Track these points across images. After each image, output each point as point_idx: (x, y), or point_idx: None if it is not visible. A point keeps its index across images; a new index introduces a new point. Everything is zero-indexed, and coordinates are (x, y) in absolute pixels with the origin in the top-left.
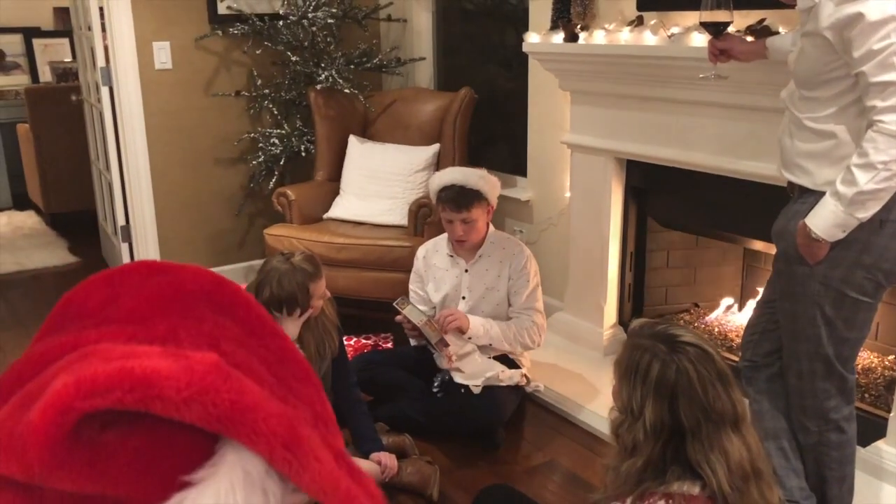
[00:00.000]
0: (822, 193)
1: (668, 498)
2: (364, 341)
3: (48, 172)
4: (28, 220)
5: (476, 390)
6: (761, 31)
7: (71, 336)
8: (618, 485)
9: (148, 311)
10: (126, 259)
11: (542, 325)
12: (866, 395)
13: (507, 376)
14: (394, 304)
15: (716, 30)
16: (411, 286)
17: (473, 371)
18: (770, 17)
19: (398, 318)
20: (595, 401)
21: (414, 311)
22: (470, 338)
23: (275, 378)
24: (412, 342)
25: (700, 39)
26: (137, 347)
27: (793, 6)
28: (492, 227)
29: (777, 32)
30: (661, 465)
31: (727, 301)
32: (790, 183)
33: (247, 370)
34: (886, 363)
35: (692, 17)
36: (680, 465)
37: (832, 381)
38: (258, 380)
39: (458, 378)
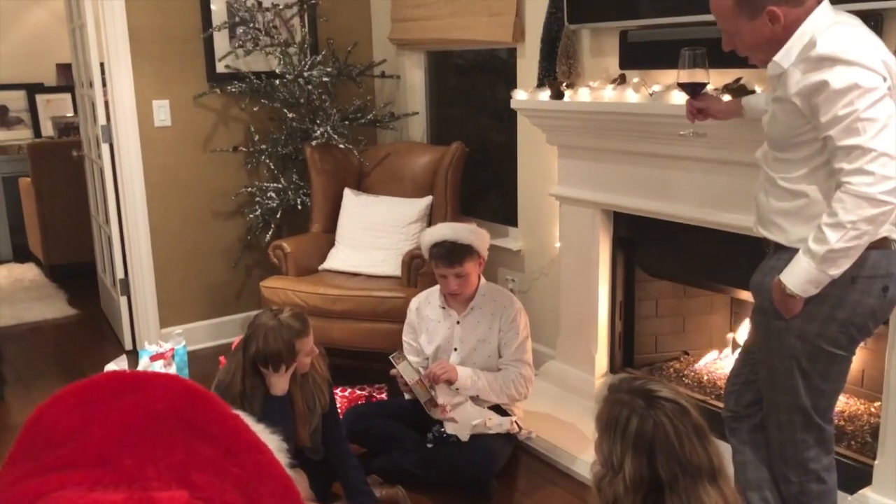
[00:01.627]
0: (796, 250)
1: None
2: (358, 392)
3: (49, 225)
4: (28, 272)
5: (464, 438)
6: (737, 90)
7: (37, 480)
8: None
9: (115, 447)
10: (125, 313)
11: (530, 377)
12: (852, 443)
13: (496, 423)
14: (390, 357)
15: (693, 90)
16: (405, 338)
17: (463, 420)
18: (746, 75)
19: (392, 371)
20: (587, 450)
21: (408, 368)
22: (458, 389)
23: (248, 501)
24: (406, 396)
25: (680, 97)
26: (102, 496)
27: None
28: (483, 279)
29: (753, 91)
30: None
31: (715, 350)
32: (766, 239)
33: (219, 501)
34: (872, 410)
35: (672, 75)
36: None
37: (811, 433)
38: None
39: (448, 429)
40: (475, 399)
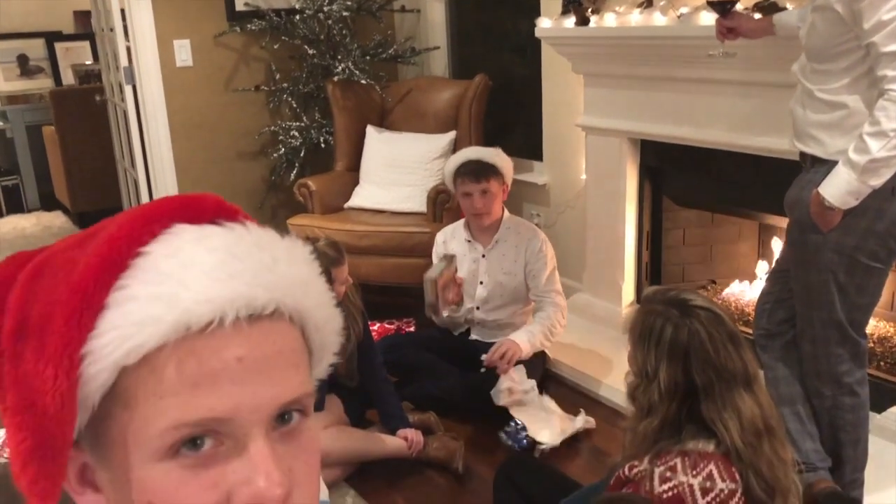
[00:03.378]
0: (835, 163)
1: (683, 455)
2: (387, 326)
3: (74, 172)
4: (56, 220)
5: (555, 443)
6: (768, 8)
7: None
8: (636, 445)
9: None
10: None
11: (564, 305)
12: (882, 363)
13: (571, 424)
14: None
15: (723, 8)
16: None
17: (538, 424)
18: None
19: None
20: (614, 377)
21: (438, 266)
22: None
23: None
24: (435, 318)
25: (708, 18)
26: None
27: None
28: (507, 212)
29: (784, 8)
30: (677, 425)
31: (743, 276)
32: (802, 153)
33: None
34: None
35: None
36: (695, 424)
37: (845, 347)
38: None
39: (541, 437)
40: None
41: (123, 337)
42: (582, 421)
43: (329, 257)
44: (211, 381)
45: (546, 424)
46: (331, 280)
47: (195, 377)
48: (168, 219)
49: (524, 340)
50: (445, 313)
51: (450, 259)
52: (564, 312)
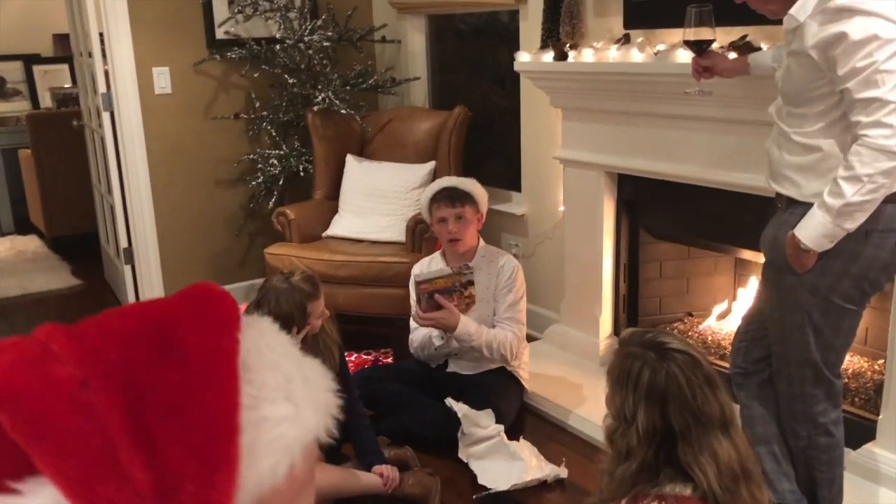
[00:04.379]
0: (810, 205)
1: (660, 499)
2: (364, 357)
3: (50, 196)
4: (30, 244)
5: (505, 488)
6: (744, 48)
7: None
8: (613, 488)
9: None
10: (129, 282)
11: (522, 337)
12: (856, 399)
13: (538, 471)
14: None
15: (699, 48)
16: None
17: (497, 473)
18: (752, 33)
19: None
20: (591, 410)
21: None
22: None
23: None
24: (417, 347)
25: (685, 56)
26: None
27: (777, 21)
28: (482, 241)
29: (759, 48)
30: (655, 468)
31: (719, 310)
32: (778, 194)
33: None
34: (875, 367)
35: (677, 34)
36: (672, 468)
37: (820, 387)
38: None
39: (487, 483)
40: (476, 358)
41: (273, 465)
42: (553, 474)
43: (304, 292)
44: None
45: (505, 474)
46: (305, 314)
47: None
48: (231, 322)
49: (468, 321)
50: (437, 341)
51: (461, 271)
52: (518, 344)
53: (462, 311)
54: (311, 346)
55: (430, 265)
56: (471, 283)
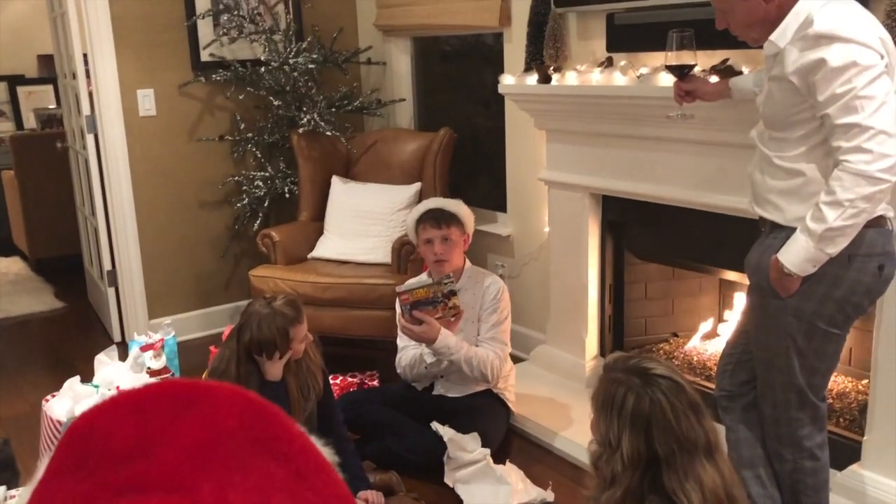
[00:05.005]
0: (793, 229)
1: None
2: (350, 379)
3: (33, 218)
4: (13, 266)
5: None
6: (725, 71)
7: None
8: None
9: (189, 469)
10: (113, 305)
11: (504, 359)
12: (841, 420)
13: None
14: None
15: (680, 72)
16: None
17: (484, 498)
18: (733, 56)
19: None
20: (577, 432)
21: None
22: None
23: None
24: (406, 367)
25: (667, 79)
26: None
27: (757, 45)
28: (468, 263)
29: (740, 72)
30: (640, 495)
31: (704, 330)
32: (762, 217)
33: None
34: (860, 388)
35: (660, 58)
36: (657, 494)
37: (805, 411)
38: None
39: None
40: (464, 379)
41: None
42: (540, 498)
43: (287, 317)
44: None
45: (492, 498)
46: (288, 339)
47: None
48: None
49: (447, 335)
50: (428, 359)
51: (444, 282)
52: (499, 364)
53: (449, 324)
54: (294, 371)
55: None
56: (453, 293)
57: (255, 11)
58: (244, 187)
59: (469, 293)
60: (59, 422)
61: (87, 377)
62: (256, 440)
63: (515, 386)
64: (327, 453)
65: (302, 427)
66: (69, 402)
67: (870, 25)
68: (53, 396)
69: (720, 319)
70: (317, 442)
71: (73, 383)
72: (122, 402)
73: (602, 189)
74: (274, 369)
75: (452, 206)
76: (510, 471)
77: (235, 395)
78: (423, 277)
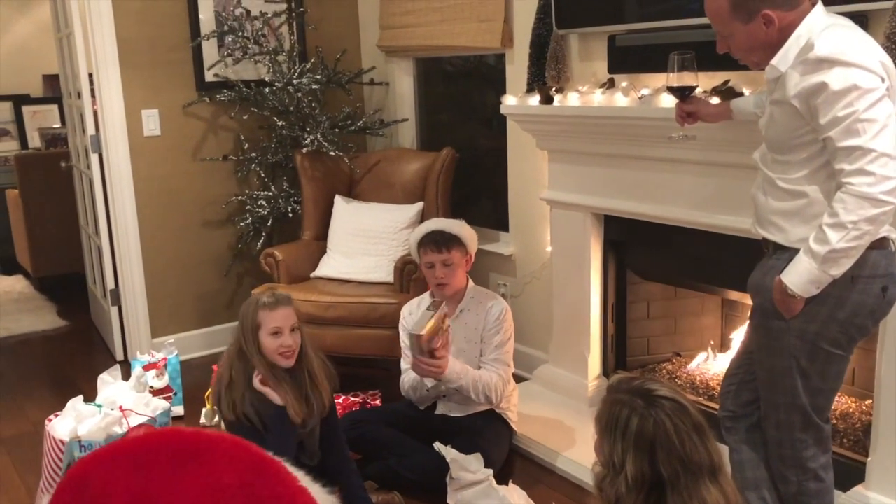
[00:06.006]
0: (796, 250)
1: None
2: (352, 399)
3: (37, 237)
4: (16, 284)
5: None
6: (726, 93)
7: None
8: None
9: None
10: (116, 324)
11: (508, 380)
12: (845, 441)
13: None
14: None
15: (682, 94)
16: (403, 346)
17: None
18: (734, 78)
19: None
20: (580, 452)
21: (425, 317)
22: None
23: None
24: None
25: (669, 100)
26: None
27: (759, 70)
28: (471, 282)
29: (741, 93)
30: None
31: (707, 350)
32: (765, 239)
33: None
34: (863, 408)
35: (661, 79)
36: None
37: (809, 432)
38: None
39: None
40: (464, 400)
41: None
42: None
43: (261, 302)
44: None
45: None
46: (256, 324)
47: None
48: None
49: (457, 367)
50: (429, 384)
51: (437, 305)
52: (503, 386)
53: (444, 346)
54: (295, 382)
55: (419, 306)
56: (444, 313)
57: (260, 33)
58: (248, 206)
59: (472, 314)
60: (61, 441)
61: (89, 396)
62: (254, 498)
63: (518, 405)
64: (331, 502)
65: (301, 475)
66: (72, 421)
67: (870, 49)
68: (56, 416)
69: (723, 339)
70: (320, 493)
71: (76, 403)
72: (122, 453)
73: (604, 209)
74: (261, 369)
75: (454, 228)
76: (513, 491)
77: (236, 449)
78: (425, 298)
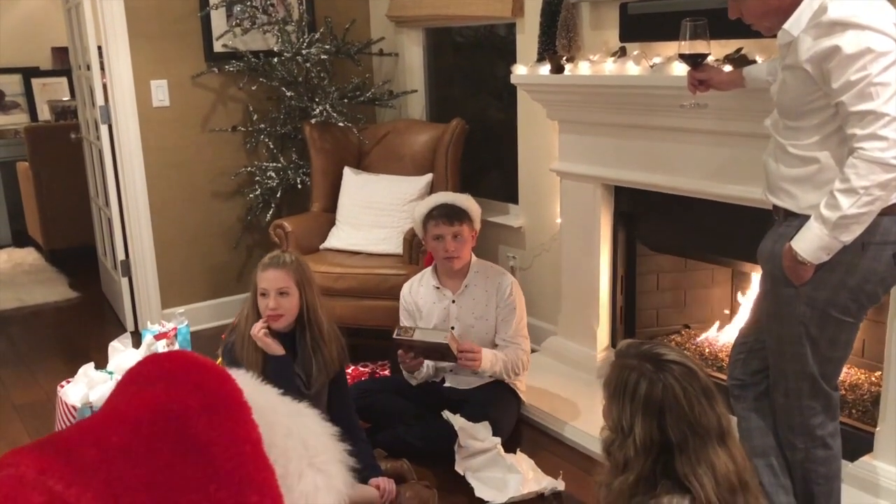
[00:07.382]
0: (807, 217)
1: None
2: (361, 369)
3: (48, 209)
4: (28, 256)
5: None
6: (739, 60)
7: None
8: (610, 500)
9: (92, 443)
10: (127, 295)
11: (528, 351)
12: (853, 411)
13: (535, 482)
14: (395, 336)
15: (694, 61)
16: (403, 324)
17: (494, 486)
18: (747, 46)
19: (403, 341)
20: (588, 422)
21: (428, 333)
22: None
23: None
24: (410, 379)
25: (681, 68)
26: (22, 492)
27: (771, 36)
28: (474, 257)
29: (754, 61)
30: (652, 480)
31: (717, 322)
32: (775, 206)
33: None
34: (873, 379)
35: (673, 47)
36: (670, 479)
37: (817, 399)
38: None
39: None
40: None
41: None
42: (550, 487)
43: (262, 262)
44: None
45: (503, 487)
46: (257, 281)
47: None
48: (242, 406)
49: (489, 357)
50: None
51: (407, 328)
52: (529, 358)
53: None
54: (304, 350)
55: (420, 282)
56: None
57: (268, 2)
58: (257, 178)
59: (479, 288)
60: (73, 407)
61: (100, 365)
62: (189, 433)
63: (527, 376)
64: (341, 449)
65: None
66: (84, 387)
67: (884, 12)
68: (68, 382)
69: (733, 311)
70: (316, 420)
71: (88, 369)
72: (131, 371)
73: (614, 180)
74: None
75: (463, 202)
76: (521, 460)
77: (206, 381)
78: (426, 275)
